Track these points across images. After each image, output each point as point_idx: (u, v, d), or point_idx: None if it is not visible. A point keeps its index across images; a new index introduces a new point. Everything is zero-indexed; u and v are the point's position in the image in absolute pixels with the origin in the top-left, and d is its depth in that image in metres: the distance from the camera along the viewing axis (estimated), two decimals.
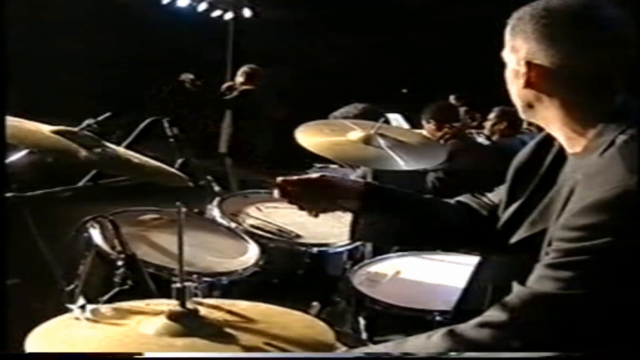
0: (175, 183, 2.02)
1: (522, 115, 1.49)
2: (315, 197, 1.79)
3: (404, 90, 9.39)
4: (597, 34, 1.36)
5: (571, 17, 1.37)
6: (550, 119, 1.42)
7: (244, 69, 6.73)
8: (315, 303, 2.18)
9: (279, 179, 1.80)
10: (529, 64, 1.38)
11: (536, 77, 1.38)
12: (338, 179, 1.85)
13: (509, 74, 1.45)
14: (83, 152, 1.80)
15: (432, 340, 1.31)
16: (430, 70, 9.64)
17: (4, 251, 1.56)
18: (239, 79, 6.66)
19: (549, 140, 1.52)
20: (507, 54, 1.44)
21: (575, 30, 1.36)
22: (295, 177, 1.82)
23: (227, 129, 6.70)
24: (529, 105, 1.44)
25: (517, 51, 1.40)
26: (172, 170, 2.15)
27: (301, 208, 1.82)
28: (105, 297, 1.74)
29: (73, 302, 2.04)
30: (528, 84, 1.40)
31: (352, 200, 1.77)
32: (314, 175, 1.82)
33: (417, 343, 1.34)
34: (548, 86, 1.38)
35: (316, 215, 1.85)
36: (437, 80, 8.98)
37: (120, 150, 2.10)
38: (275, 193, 1.80)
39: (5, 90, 1.71)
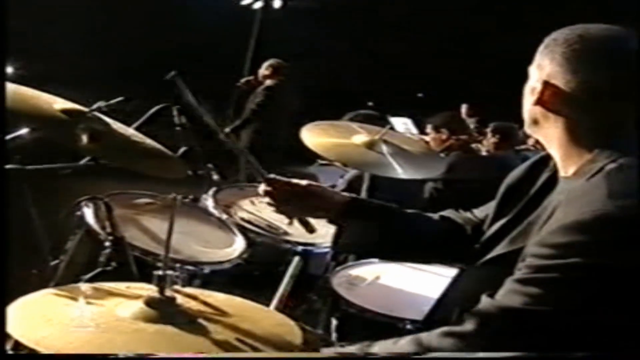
0: (172, 174, 2.06)
1: (526, 129, 1.53)
2: (298, 204, 1.83)
3: (420, 95, 9.37)
4: (621, 68, 1.38)
5: (601, 47, 1.39)
6: (551, 138, 1.45)
7: (270, 62, 6.37)
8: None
9: (269, 176, 1.83)
10: (546, 83, 1.41)
11: (549, 96, 1.41)
12: (324, 189, 1.86)
13: (526, 88, 1.49)
14: (84, 139, 1.85)
15: (398, 346, 1.36)
16: (450, 77, 9.61)
17: (4, 256, 1.61)
18: (264, 71, 6.33)
19: (544, 161, 1.54)
20: (532, 69, 1.47)
21: (600, 60, 1.38)
22: (284, 179, 1.84)
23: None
24: (535, 121, 1.47)
25: (542, 69, 1.43)
26: (174, 157, 2.19)
27: (277, 210, 1.85)
28: (88, 276, 1.79)
29: (56, 275, 2.12)
30: (539, 102, 1.43)
31: (334, 212, 1.81)
32: (303, 182, 1.84)
33: (383, 348, 1.39)
34: (557, 107, 1.41)
35: (290, 223, 1.89)
36: (456, 87, 8.96)
37: (129, 132, 2.15)
38: (261, 188, 1.83)
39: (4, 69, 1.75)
